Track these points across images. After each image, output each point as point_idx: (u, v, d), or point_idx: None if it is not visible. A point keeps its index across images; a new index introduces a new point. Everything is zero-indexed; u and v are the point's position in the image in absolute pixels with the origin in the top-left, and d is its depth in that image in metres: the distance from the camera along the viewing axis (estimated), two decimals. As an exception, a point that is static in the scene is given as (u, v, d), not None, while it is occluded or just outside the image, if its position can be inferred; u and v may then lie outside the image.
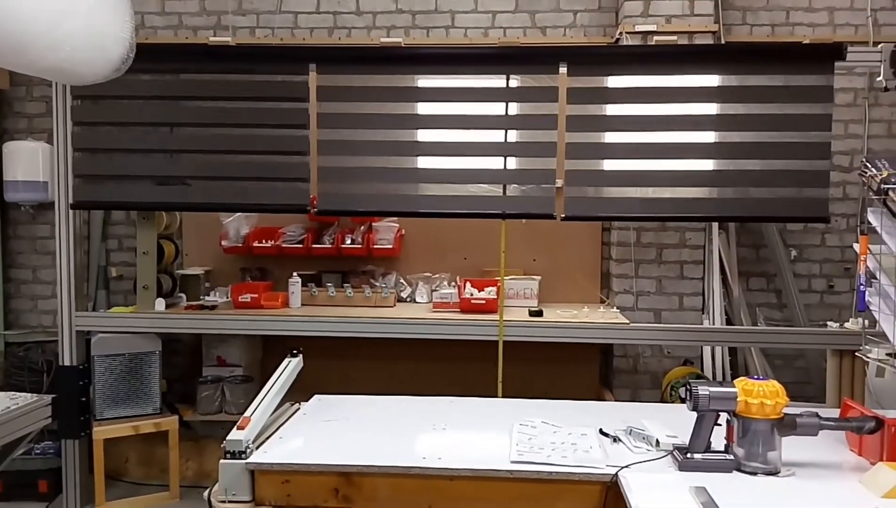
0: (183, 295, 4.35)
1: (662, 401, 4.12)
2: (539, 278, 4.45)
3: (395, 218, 4.49)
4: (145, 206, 3.96)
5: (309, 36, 4.80)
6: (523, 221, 4.02)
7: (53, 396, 3.28)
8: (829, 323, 3.81)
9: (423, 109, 3.74)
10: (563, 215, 3.65)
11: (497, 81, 3.67)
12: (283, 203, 3.82)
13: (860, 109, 4.55)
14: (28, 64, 2.17)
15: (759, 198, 3.60)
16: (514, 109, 3.68)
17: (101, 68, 2.39)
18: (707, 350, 4.36)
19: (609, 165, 3.68)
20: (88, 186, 3.85)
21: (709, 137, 3.62)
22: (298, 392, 2.59)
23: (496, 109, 3.67)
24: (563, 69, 3.61)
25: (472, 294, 4.13)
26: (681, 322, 4.28)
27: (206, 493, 2.05)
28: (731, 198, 3.62)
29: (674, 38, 4.15)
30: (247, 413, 2.17)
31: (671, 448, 2.06)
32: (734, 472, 1.94)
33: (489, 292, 4.14)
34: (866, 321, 2.88)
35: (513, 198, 3.69)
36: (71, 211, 3.80)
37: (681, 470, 1.95)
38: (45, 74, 2.39)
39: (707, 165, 3.63)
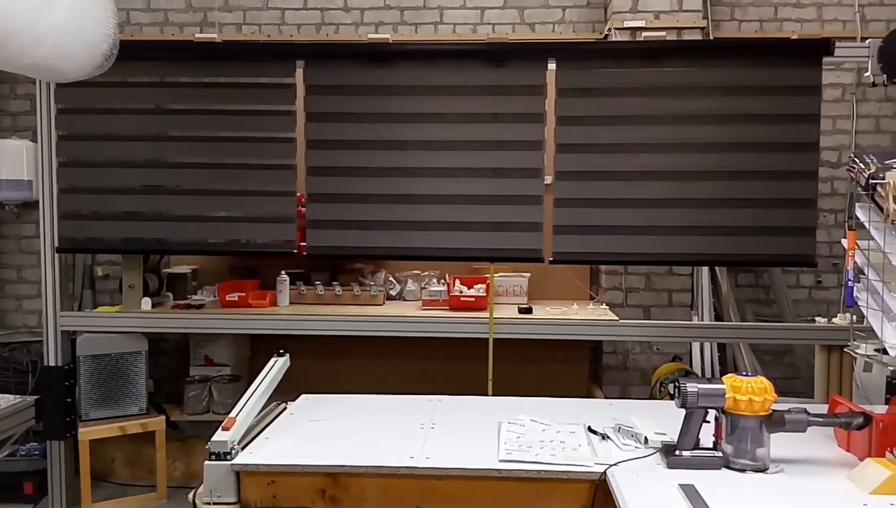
0: (170, 294, 4.31)
1: (652, 398, 4.13)
2: (528, 275, 4.44)
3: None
4: (129, 250, 3.86)
5: (296, 32, 4.77)
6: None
7: (37, 397, 3.25)
8: (817, 319, 3.82)
9: (413, 110, 3.68)
10: (552, 259, 3.59)
11: (485, 80, 3.63)
12: (269, 241, 3.71)
13: (848, 104, 4.58)
14: (9, 60, 2.14)
15: (745, 239, 3.54)
16: (502, 107, 3.64)
17: (84, 64, 2.35)
18: (696, 346, 4.37)
19: (600, 166, 3.62)
20: (73, 194, 3.77)
21: (697, 134, 3.59)
22: (286, 392, 2.57)
23: (484, 107, 3.63)
24: (552, 65, 3.59)
25: (461, 292, 4.12)
26: (670, 319, 4.28)
27: (190, 495, 2.03)
28: (718, 239, 3.54)
29: (662, 34, 4.14)
30: (232, 414, 2.14)
31: (659, 446, 2.05)
32: (722, 469, 1.93)
33: (478, 290, 4.13)
34: (854, 317, 2.88)
35: (501, 233, 3.63)
36: (56, 205, 3.74)
37: (669, 468, 1.94)
38: (28, 71, 2.35)
39: (692, 164, 3.57)
